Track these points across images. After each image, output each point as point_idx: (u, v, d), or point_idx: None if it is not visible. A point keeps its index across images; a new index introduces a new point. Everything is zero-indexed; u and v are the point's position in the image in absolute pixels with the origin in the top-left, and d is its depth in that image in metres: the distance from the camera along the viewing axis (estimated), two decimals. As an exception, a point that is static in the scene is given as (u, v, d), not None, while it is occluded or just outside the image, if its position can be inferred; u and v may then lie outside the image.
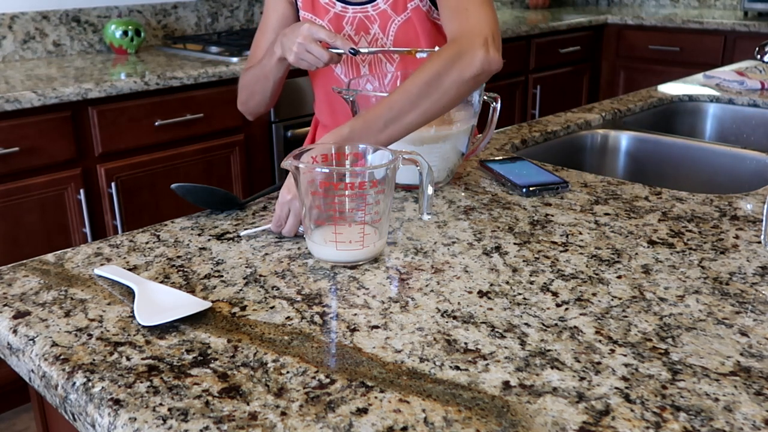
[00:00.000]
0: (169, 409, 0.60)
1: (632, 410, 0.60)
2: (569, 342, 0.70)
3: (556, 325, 0.73)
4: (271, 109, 2.55)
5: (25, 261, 0.90)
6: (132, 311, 0.76)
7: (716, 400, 0.61)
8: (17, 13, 2.54)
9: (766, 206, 0.91)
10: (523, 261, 0.87)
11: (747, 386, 0.63)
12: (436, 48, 1.11)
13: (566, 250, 0.90)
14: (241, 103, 1.41)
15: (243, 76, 1.39)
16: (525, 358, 0.67)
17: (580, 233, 0.96)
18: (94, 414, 0.61)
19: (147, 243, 0.94)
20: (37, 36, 2.60)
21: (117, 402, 0.61)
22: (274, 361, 0.67)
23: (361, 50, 1.17)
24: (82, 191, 2.14)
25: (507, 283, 0.82)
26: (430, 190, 0.90)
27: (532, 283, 0.82)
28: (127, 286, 0.81)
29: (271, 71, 1.27)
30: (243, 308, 0.77)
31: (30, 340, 0.71)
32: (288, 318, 0.74)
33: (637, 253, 0.90)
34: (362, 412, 0.60)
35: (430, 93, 1.02)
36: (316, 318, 0.74)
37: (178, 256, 0.90)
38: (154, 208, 2.34)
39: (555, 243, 0.93)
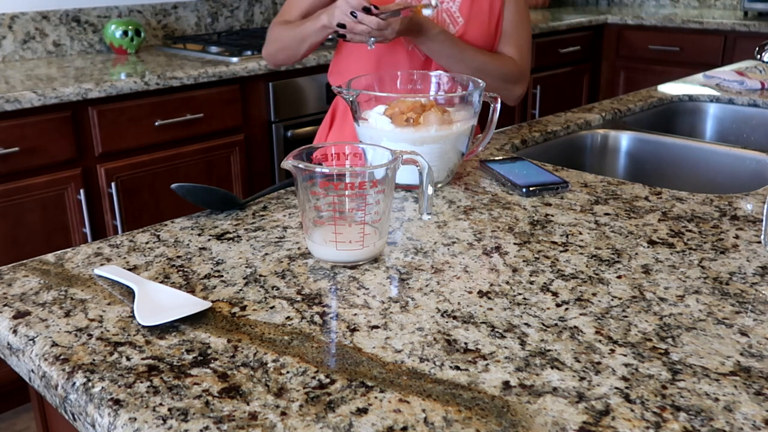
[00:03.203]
0: (169, 409, 0.60)
1: (632, 410, 0.60)
2: (569, 342, 0.70)
3: (556, 325, 0.73)
4: (271, 115, 2.56)
5: (25, 261, 0.90)
6: (132, 311, 0.76)
7: (716, 400, 0.61)
8: (17, 13, 2.54)
9: (766, 206, 0.91)
10: (523, 261, 0.87)
11: (747, 386, 0.63)
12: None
13: (566, 250, 0.90)
14: (268, 54, 1.54)
15: (277, 30, 1.50)
16: (525, 358, 0.67)
17: (580, 233, 0.96)
18: (94, 414, 0.61)
19: (147, 243, 0.94)
20: (37, 36, 2.61)
21: (117, 402, 0.61)
22: (274, 361, 0.67)
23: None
24: (82, 191, 2.15)
25: (507, 283, 0.82)
26: (430, 190, 0.90)
27: (532, 283, 0.82)
28: (127, 286, 0.81)
29: (311, 35, 1.40)
30: (243, 308, 0.77)
31: (30, 340, 0.71)
32: (288, 318, 0.74)
33: (637, 253, 0.90)
34: (362, 412, 0.60)
35: (483, 75, 1.38)
36: (316, 318, 0.74)
37: (178, 256, 0.90)
38: (154, 208, 2.34)
39: (555, 243, 0.93)
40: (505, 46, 1.50)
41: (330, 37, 1.40)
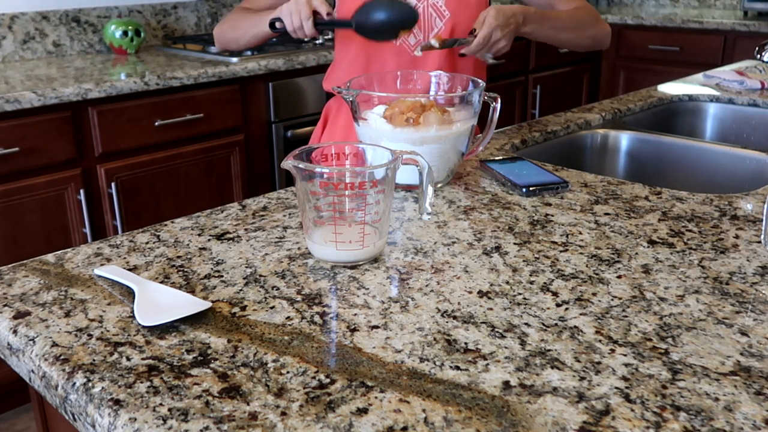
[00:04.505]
0: (169, 409, 0.60)
1: (632, 410, 0.60)
2: (569, 342, 0.70)
3: (556, 325, 0.73)
4: (271, 115, 2.56)
5: (25, 261, 0.90)
6: (132, 311, 0.76)
7: (716, 399, 0.61)
8: (17, 13, 2.54)
9: (766, 206, 0.91)
10: (523, 261, 0.87)
11: (747, 386, 0.63)
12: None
13: (566, 250, 0.90)
14: (219, 32, 1.55)
15: (238, 13, 1.51)
16: (525, 358, 0.67)
17: (580, 233, 0.96)
18: (94, 414, 0.61)
19: (147, 243, 0.94)
20: (37, 36, 2.61)
21: (117, 402, 0.61)
22: (274, 361, 0.67)
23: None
24: (82, 191, 2.14)
25: (507, 283, 0.82)
26: (430, 190, 0.90)
27: (532, 283, 0.82)
28: (127, 286, 0.81)
29: (259, 24, 1.43)
30: (243, 308, 0.77)
31: (30, 340, 0.71)
32: (288, 318, 0.74)
33: (637, 253, 0.90)
34: (362, 412, 0.60)
35: (580, 31, 1.46)
36: (316, 318, 0.74)
37: (178, 256, 0.90)
38: (154, 208, 2.34)
39: (555, 243, 0.93)
40: (560, 5, 1.48)
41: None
